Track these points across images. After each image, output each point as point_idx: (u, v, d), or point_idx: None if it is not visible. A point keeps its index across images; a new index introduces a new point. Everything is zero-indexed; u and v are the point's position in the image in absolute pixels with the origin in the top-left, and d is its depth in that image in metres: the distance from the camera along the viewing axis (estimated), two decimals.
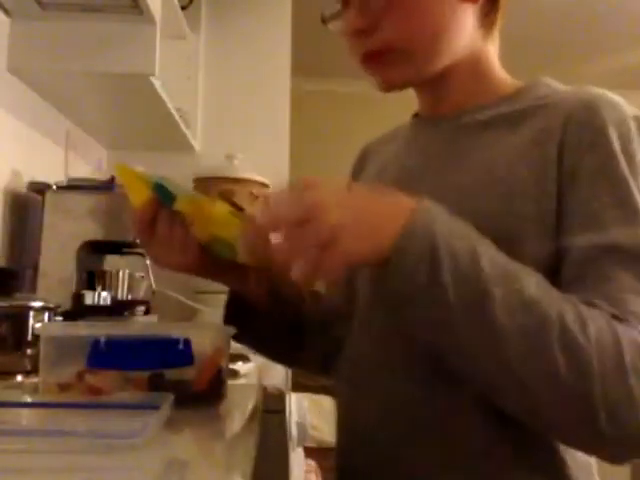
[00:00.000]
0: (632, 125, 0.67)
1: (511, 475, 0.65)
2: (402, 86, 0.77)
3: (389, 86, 0.77)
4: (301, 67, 2.60)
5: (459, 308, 0.56)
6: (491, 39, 0.78)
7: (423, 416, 0.68)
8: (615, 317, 0.58)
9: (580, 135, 0.66)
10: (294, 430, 1.70)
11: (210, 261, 0.74)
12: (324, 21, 0.77)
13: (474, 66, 0.77)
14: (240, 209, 0.70)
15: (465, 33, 0.75)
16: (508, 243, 0.63)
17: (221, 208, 0.69)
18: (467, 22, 0.74)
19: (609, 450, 0.59)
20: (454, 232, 0.58)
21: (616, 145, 0.65)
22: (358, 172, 0.92)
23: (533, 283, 0.58)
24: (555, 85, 0.75)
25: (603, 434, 0.55)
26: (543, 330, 0.55)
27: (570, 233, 0.64)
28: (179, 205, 0.70)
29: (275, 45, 2.29)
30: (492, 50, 0.79)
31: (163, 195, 0.70)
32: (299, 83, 2.79)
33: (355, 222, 0.55)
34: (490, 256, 0.58)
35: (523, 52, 3.10)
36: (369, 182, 0.85)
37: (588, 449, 0.63)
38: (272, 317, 0.82)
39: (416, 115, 0.86)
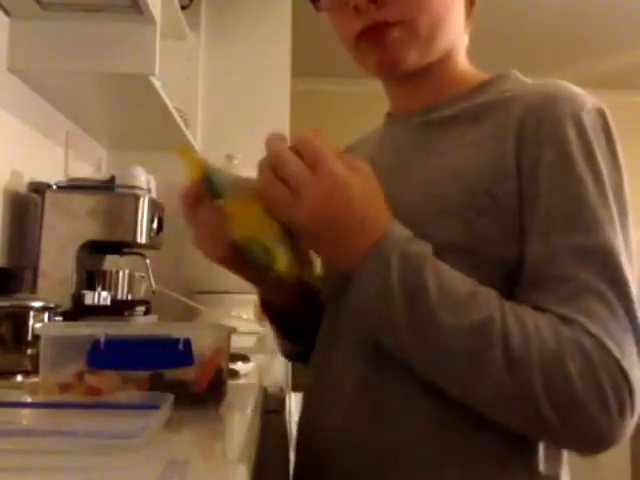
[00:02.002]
0: (591, 117, 0.65)
1: None
2: (399, 68, 0.74)
3: (387, 66, 0.74)
4: (301, 67, 2.60)
5: (400, 301, 0.59)
6: (467, 30, 0.79)
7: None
8: (563, 318, 0.59)
9: (538, 129, 0.65)
10: (294, 430, 1.69)
11: (240, 263, 0.72)
12: (317, 7, 0.74)
13: (455, 58, 0.77)
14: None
15: (459, 22, 0.75)
16: (473, 241, 0.64)
17: (263, 216, 0.66)
18: (461, 10, 0.75)
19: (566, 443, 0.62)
20: (408, 268, 0.60)
21: (573, 138, 0.64)
22: None
23: (468, 292, 0.60)
24: (521, 78, 0.75)
25: (551, 429, 0.58)
26: (485, 343, 0.58)
27: (529, 233, 0.63)
28: (221, 202, 0.67)
29: (275, 45, 2.29)
30: (466, 40, 0.79)
31: (209, 188, 0.68)
32: (299, 83, 2.79)
33: (337, 214, 0.61)
34: (439, 286, 0.60)
35: (543, 48, 3.09)
36: None
37: (550, 441, 0.64)
38: (298, 313, 0.83)
39: (389, 114, 0.86)
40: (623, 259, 0.61)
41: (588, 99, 0.67)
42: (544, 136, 0.64)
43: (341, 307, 0.72)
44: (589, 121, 0.65)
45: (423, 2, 0.71)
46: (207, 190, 0.68)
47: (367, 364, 0.69)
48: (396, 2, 0.70)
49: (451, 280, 0.61)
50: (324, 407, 0.73)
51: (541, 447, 0.65)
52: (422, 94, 0.77)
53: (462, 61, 0.79)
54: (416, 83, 0.77)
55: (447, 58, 0.76)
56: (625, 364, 0.57)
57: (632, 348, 0.59)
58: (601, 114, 0.66)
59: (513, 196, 0.64)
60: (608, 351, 0.57)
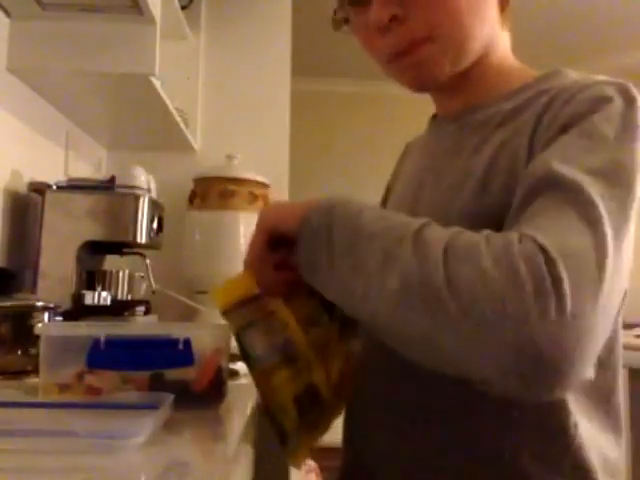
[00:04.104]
0: (608, 89, 0.62)
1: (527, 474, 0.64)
2: (435, 82, 0.73)
3: (422, 83, 0.74)
4: (301, 67, 2.60)
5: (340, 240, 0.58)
6: (505, 32, 0.75)
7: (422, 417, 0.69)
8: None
9: (551, 123, 0.63)
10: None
11: None
12: (336, 27, 0.73)
13: (492, 58, 0.74)
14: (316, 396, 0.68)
15: (491, 19, 0.71)
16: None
17: (286, 398, 0.65)
18: (491, 16, 0.71)
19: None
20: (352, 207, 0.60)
21: (582, 119, 0.60)
22: (398, 168, 0.93)
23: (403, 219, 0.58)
24: (567, 76, 0.71)
25: (456, 327, 0.49)
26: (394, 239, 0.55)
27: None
28: (252, 372, 0.67)
29: (275, 45, 2.29)
30: (506, 43, 0.76)
31: (242, 350, 0.67)
32: (299, 83, 2.79)
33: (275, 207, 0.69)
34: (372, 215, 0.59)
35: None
36: (397, 187, 0.87)
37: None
38: None
39: (434, 116, 0.85)
40: (595, 192, 0.54)
41: (612, 88, 0.63)
42: (554, 115, 0.63)
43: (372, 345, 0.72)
44: (606, 90, 0.62)
45: (447, 10, 0.67)
46: (238, 345, 0.67)
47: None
48: (418, 15, 0.67)
49: (380, 210, 0.62)
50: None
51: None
52: (461, 97, 0.76)
53: (503, 59, 0.75)
54: (454, 88, 0.75)
55: (483, 59, 0.73)
56: (559, 262, 0.48)
57: (585, 253, 0.50)
58: (626, 102, 0.62)
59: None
60: (536, 243, 0.50)
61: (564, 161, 0.57)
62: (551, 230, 0.52)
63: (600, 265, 0.50)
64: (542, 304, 0.47)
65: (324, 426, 0.71)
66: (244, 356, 0.66)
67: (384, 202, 0.95)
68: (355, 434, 0.80)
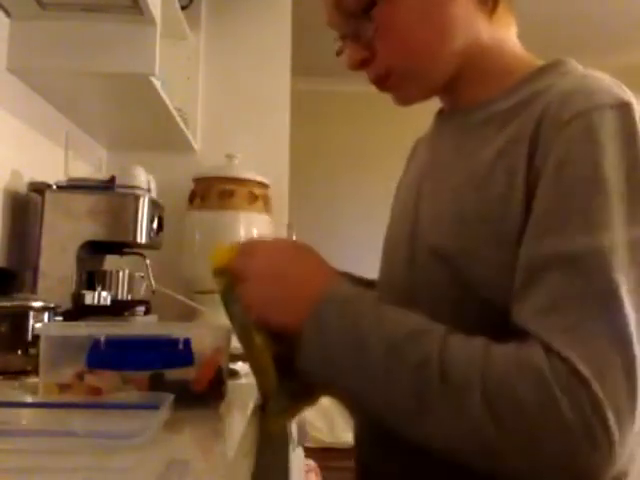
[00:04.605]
0: (606, 115, 0.60)
1: None
2: (421, 99, 0.77)
3: (406, 102, 0.78)
4: (301, 67, 2.60)
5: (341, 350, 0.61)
6: (500, 22, 0.74)
7: None
8: (527, 336, 0.55)
9: (549, 131, 0.62)
10: (294, 430, 1.69)
11: None
12: (338, 55, 0.78)
13: (485, 55, 0.73)
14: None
15: (464, 26, 0.71)
16: (487, 249, 0.63)
17: (264, 359, 0.68)
18: (462, 14, 0.71)
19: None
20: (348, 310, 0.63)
21: (578, 139, 0.59)
22: (409, 163, 0.93)
23: (409, 326, 0.59)
24: (569, 68, 0.69)
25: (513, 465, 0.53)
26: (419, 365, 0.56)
27: (525, 238, 0.60)
28: (234, 329, 0.72)
29: (275, 45, 2.29)
30: (504, 32, 0.74)
31: (226, 311, 0.72)
32: (299, 83, 2.79)
33: (269, 296, 0.67)
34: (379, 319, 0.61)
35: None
36: (404, 180, 0.89)
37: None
38: None
39: (440, 111, 0.84)
40: (616, 265, 0.54)
41: (608, 95, 0.61)
42: (552, 139, 0.61)
43: None
44: (601, 120, 0.59)
45: (406, 43, 0.71)
46: (222, 302, 0.72)
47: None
48: (382, 54, 0.72)
49: (389, 325, 0.60)
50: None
51: None
52: (461, 95, 0.76)
53: (504, 53, 0.74)
54: (451, 88, 0.75)
55: (472, 59, 0.73)
56: (596, 386, 0.50)
57: (616, 372, 0.51)
58: (622, 111, 0.60)
59: (521, 201, 0.62)
60: (573, 370, 0.51)
61: (580, 231, 0.56)
62: (579, 342, 0.52)
63: (633, 385, 0.52)
64: (591, 439, 0.50)
65: (308, 397, 0.71)
66: (228, 312, 0.71)
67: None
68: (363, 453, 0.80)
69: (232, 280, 0.69)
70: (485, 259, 0.64)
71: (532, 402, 0.51)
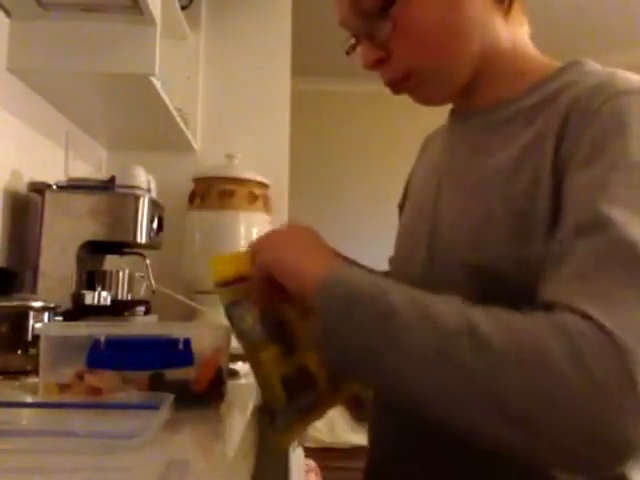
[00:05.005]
0: (634, 99, 0.60)
1: None
2: (438, 100, 0.76)
3: (426, 102, 0.76)
4: (301, 67, 2.60)
5: (365, 318, 0.56)
6: (515, 22, 0.74)
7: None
8: (553, 304, 0.53)
9: (578, 124, 0.62)
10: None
11: None
12: (348, 54, 0.77)
13: (502, 56, 0.73)
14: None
15: (482, 26, 0.71)
16: (516, 244, 0.63)
17: (272, 377, 0.65)
18: (480, 15, 0.70)
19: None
20: (367, 277, 0.61)
21: (608, 125, 0.59)
22: (417, 163, 0.93)
23: (443, 306, 0.55)
24: (589, 68, 0.70)
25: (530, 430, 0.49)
26: (446, 334, 0.52)
27: (558, 227, 0.60)
28: (242, 346, 0.69)
29: (275, 45, 2.29)
30: (518, 33, 0.74)
31: (229, 318, 0.68)
32: (299, 83, 2.79)
33: (294, 244, 0.66)
34: (400, 289, 0.58)
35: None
36: (421, 175, 0.87)
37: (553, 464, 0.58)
38: None
39: (452, 111, 0.83)
40: None
41: (638, 83, 0.62)
42: (580, 127, 0.61)
43: None
44: (629, 103, 0.60)
45: (424, 43, 0.70)
46: (227, 317, 0.68)
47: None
48: (399, 55, 0.70)
49: (410, 290, 0.58)
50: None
51: None
52: (479, 95, 0.75)
53: (515, 51, 0.74)
54: (469, 89, 0.74)
55: (490, 59, 0.72)
56: (625, 339, 0.47)
57: None
58: None
59: (548, 195, 0.61)
60: (604, 330, 0.48)
61: (607, 201, 0.55)
62: (614, 307, 0.50)
63: None
64: (625, 405, 0.47)
65: (317, 413, 0.69)
66: (233, 327, 0.68)
67: (404, 200, 0.94)
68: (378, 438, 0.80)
69: (238, 290, 0.66)
70: (508, 257, 0.63)
71: (568, 371, 0.48)
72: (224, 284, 0.68)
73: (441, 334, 0.52)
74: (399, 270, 0.82)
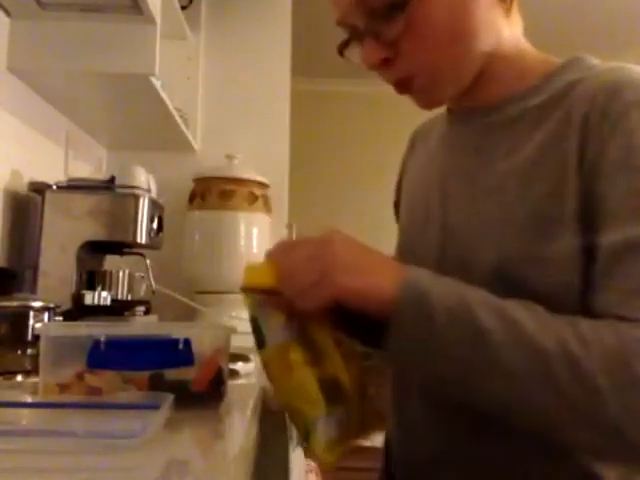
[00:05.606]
0: None
1: None
2: (441, 102, 0.75)
3: (429, 105, 0.75)
4: (301, 67, 2.60)
5: (452, 339, 0.57)
6: (513, 20, 0.74)
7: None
8: (623, 319, 0.56)
9: (602, 123, 0.62)
10: (294, 430, 1.69)
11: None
12: (341, 54, 0.74)
13: (504, 55, 0.72)
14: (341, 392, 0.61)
15: (489, 24, 0.70)
16: (534, 244, 0.63)
17: (307, 378, 0.60)
18: (487, 14, 0.70)
19: None
20: (439, 281, 0.61)
21: (636, 128, 0.60)
22: (408, 158, 0.91)
23: (525, 315, 0.57)
24: (591, 63, 0.70)
25: (635, 446, 0.54)
26: (546, 362, 0.54)
27: (596, 230, 0.61)
28: (265, 354, 0.63)
29: (275, 45, 2.29)
30: (517, 31, 0.74)
31: (255, 331, 0.63)
32: (299, 83, 2.79)
33: (352, 261, 0.61)
34: (476, 297, 0.59)
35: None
36: (416, 172, 0.85)
37: (627, 463, 0.62)
38: None
39: (449, 110, 0.82)
40: None
41: None
42: (607, 130, 0.61)
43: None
44: None
45: (432, 46, 0.68)
46: (254, 330, 0.64)
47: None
48: (404, 55, 0.69)
49: (487, 297, 0.59)
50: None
51: None
52: (481, 94, 0.74)
53: (516, 48, 0.74)
54: (471, 88, 0.73)
55: (494, 57, 0.72)
56: None
57: None
58: None
59: (575, 196, 0.62)
60: None
61: None
62: None
63: None
64: None
65: (354, 431, 0.64)
66: (257, 337, 0.63)
67: (398, 197, 0.92)
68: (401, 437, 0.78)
69: (266, 294, 0.62)
70: (530, 257, 0.63)
71: None
72: (251, 289, 0.64)
73: (537, 358, 0.55)
74: None
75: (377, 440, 0.78)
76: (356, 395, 0.63)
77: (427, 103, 0.74)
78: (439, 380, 0.60)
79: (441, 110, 0.84)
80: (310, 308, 0.60)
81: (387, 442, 0.81)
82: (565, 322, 0.57)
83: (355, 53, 0.73)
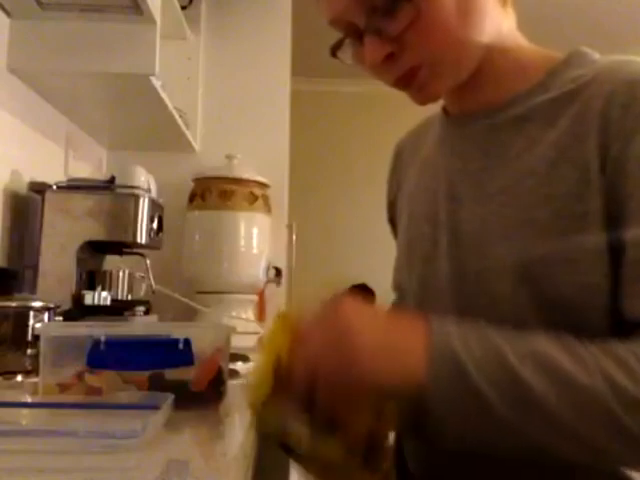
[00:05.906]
0: None
1: None
2: (439, 96, 0.73)
3: (426, 100, 0.72)
4: (301, 67, 2.60)
5: (504, 412, 0.53)
6: (510, 14, 0.72)
7: None
8: None
9: (623, 120, 0.60)
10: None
11: None
12: (333, 54, 0.71)
13: (503, 48, 0.71)
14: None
15: (490, 17, 0.69)
16: (559, 244, 0.61)
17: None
18: (488, 5, 0.69)
19: None
20: (471, 342, 0.56)
21: None
22: (396, 172, 0.89)
23: (566, 360, 0.54)
24: (593, 57, 0.69)
25: None
26: (597, 402, 0.52)
27: (621, 229, 0.59)
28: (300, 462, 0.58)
29: (275, 45, 2.29)
30: (513, 26, 0.73)
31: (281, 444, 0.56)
32: (299, 83, 2.79)
33: (378, 347, 0.55)
34: (513, 350, 0.55)
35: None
36: (414, 183, 0.82)
37: None
38: None
39: (444, 110, 0.80)
40: None
41: None
42: (631, 124, 0.60)
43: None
44: None
45: (438, 37, 0.66)
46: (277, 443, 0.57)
47: None
48: (408, 48, 0.66)
49: (520, 342, 0.56)
50: None
51: None
52: (481, 92, 0.72)
53: (518, 46, 0.72)
54: (469, 86, 0.72)
55: (493, 53, 0.70)
56: None
57: None
58: None
59: (598, 195, 0.60)
60: None
61: None
62: None
63: None
64: None
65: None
66: (285, 448, 0.56)
67: (392, 214, 0.90)
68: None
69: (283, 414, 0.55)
70: (556, 257, 0.62)
71: None
72: (262, 406, 0.56)
73: (596, 406, 0.53)
74: (419, 288, 0.76)
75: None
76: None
77: (426, 97, 0.72)
78: (494, 447, 0.57)
79: (426, 115, 0.83)
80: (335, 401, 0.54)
81: (399, 438, 0.78)
82: (599, 352, 0.55)
83: (349, 53, 0.71)
